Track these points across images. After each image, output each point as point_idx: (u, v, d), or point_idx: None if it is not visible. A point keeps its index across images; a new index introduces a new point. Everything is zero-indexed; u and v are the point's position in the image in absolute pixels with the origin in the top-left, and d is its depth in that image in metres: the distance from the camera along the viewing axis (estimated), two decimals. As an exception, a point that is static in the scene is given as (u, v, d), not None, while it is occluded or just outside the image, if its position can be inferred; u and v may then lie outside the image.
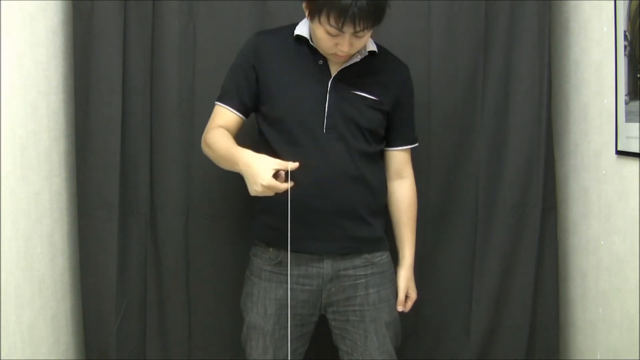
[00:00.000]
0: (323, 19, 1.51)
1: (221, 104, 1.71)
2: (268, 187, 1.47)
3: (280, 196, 1.60)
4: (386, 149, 1.79)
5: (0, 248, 1.52)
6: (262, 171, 1.47)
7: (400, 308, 1.78)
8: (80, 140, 1.93)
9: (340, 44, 1.56)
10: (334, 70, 1.67)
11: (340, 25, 1.50)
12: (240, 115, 1.71)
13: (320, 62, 1.66)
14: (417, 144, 1.83)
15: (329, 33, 1.54)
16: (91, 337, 1.98)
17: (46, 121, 1.79)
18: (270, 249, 1.71)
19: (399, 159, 1.80)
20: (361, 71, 1.68)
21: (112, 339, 1.95)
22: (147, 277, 2.02)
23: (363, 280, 1.71)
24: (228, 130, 1.68)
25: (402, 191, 1.81)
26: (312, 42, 1.65)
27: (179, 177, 2.00)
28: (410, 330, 2.06)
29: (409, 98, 1.78)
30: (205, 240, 2.02)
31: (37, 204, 1.74)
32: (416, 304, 2.05)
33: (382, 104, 1.69)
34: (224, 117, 1.70)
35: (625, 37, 1.65)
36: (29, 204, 1.69)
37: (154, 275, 2.02)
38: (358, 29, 1.51)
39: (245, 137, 1.72)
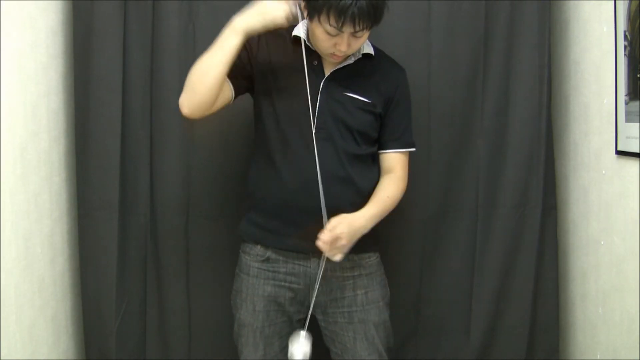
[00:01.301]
0: (323, 18, 1.51)
1: None
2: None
3: (270, 195, 1.64)
4: (378, 151, 1.77)
5: (0, 248, 1.52)
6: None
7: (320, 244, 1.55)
8: (80, 140, 1.93)
9: (338, 43, 1.56)
10: (327, 71, 1.67)
11: (340, 25, 1.50)
12: (230, 84, 1.64)
13: (315, 62, 1.67)
14: (413, 149, 1.77)
15: (328, 33, 1.54)
16: (91, 337, 1.98)
17: (46, 121, 1.79)
18: (258, 246, 1.71)
19: (391, 162, 1.75)
20: (355, 73, 1.68)
21: (112, 339, 1.95)
22: (147, 277, 2.02)
23: (351, 282, 1.71)
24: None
25: (384, 181, 1.73)
26: (308, 42, 1.66)
27: (179, 177, 2.00)
28: (410, 330, 2.06)
29: (402, 101, 1.75)
30: (205, 240, 2.02)
31: (37, 204, 1.74)
32: (416, 304, 2.06)
33: (374, 107, 1.68)
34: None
35: (625, 37, 1.65)
36: (29, 204, 1.69)
37: (154, 275, 2.02)
38: (357, 28, 1.51)
39: (242, 135, 1.71)
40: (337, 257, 1.56)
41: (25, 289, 1.66)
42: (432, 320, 2.08)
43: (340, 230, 1.54)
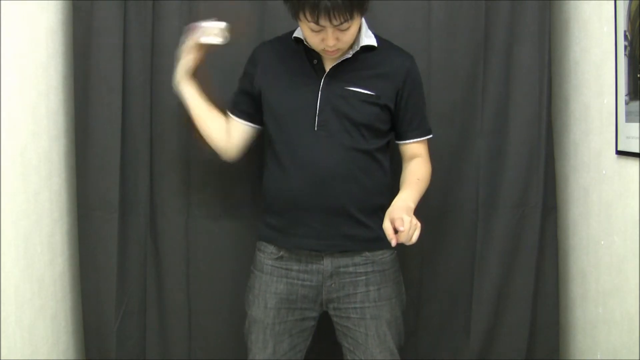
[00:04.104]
0: (301, 15, 1.54)
1: (228, 112, 1.81)
2: (184, 51, 1.74)
3: (279, 196, 1.66)
4: (398, 142, 1.79)
5: (1, 248, 1.52)
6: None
7: (393, 242, 1.51)
8: (80, 140, 1.93)
9: (325, 39, 1.57)
10: (327, 69, 1.68)
11: (316, 19, 1.51)
12: (245, 122, 1.79)
13: (315, 61, 1.68)
14: (431, 135, 1.81)
15: (311, 29, 1.56)
16: (91, 337, 1.98)
17: (46, 121, 1.79)
18: (272, 245, 1.73)
19: (414, 150, 1.78)
20: (356, 66, 1.68)
21: (112, 339, 1.95)
22: (147, 277, 2.02)
23: (363, 278, 1.72)
24: (233, 136, 1.80)
25: (412, 164, 1.76)
26: (306, 42, 1.67)
27: (179, 177, 2.00)
28: (410, 330, 2.06)
29: (414, 88, 1.74)
30: (205, 240, 2.02)
31: (37, 204, 1.74)
32: (416, 303, 2.06)
33: (378, 98, 1.68)
34: (229, 123, 1.81)
35: (625, 37, 1.65)
36: (29, 204, 1.69)
37: (154, 275, 2.02)
38: (335, 22, 1.52)
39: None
40: (417, 235, 1.52)
41: (25, 289, 1.66)
42: (432, 320, 2.08)
43: (407, 221, 1.50)
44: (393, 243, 1.50)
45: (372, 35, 1.71)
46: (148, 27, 1.94)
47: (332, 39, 1.56)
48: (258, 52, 1.77)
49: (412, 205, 1.60)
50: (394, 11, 1.97)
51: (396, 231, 1.50)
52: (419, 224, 1.52)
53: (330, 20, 1.51)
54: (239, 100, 1.79)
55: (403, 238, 1.49)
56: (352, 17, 1.54)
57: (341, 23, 1.52)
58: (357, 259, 1.71)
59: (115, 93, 1.91)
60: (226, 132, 1.80)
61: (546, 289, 2.04)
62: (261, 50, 1.77)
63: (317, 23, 1.52)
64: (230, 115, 1.80)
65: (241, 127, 1.79)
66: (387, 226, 1.52)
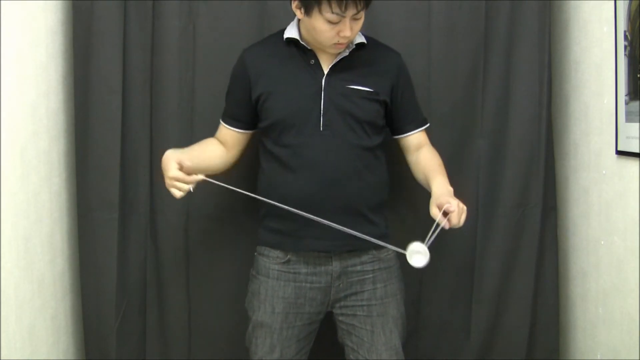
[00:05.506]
0: (324, 8, 1.54)
1: (221, 121, 1.81)
2: (173, 178, 1.53)
3: (285, 199, 1.64)
4: (399, 136, 1.80)
5: (0, 248, 1.52)
6: (166, 164, 1.56)
7: (446, 226, 1.56)
8: (80, 140, 1.93)
9: (342, 30, 1.58)
10: (325, 68, 1.69)
11: (344, 9, 1.53)
12: (236, 129, 1.77)
13: (312, 61, 1.68)
14: (428, 124, 1.83)
15: (330, 22, 1.56)
16: (91, 337, 1.98)
17: (46, 121, 1.79)
18: (278, 250, 1.72)
19: (417, 140, 1.80)
20: (353, 64, 1.69)
21: (112, 339, 1.95)
22: (147, 277, 2.02)
23: (370, 276, 1.72)
24: (226, 144, 1.79)
25: (423, 154, 1.78)
26: (302, 41, 1.67)
27: (179, 177, 2.00)
28: (411, 330, 2.06)
29: (406, 83, 1.79)
30: (205, 240, 2.02)
31: (37, 204, 1.74)
32: (416, 303, 2.06)
33: (377, 95, 1.70)
34: (220, 133, 1.81)
35: (625, 37, 1.65)
36: (29, 204, 1.69)
37: (154, 275, 2.02)
38: (359, 7, 1.55)
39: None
40: (464, 217, 1.57)
41: (25, 289, 1.66)
42: (432, 320, 2.09)
43: (454, 205, 1.55)
44: (446, 226, 1.54)
45: (361, 34, 1.73)
46: (148, 27, 1.94)
47: (349, 30, 1.58)
48: (247, 57, 1.73)
49: (451, 189, 1.64)
50: (394, 11, 1.97)
51: (445, 214, 1.54)
52: (465, 207, 1.56)
53: (356, 7, 1.54)
54: (233, 109, 1.77)
55: (454, 220, 1.54)
56: (368, 4, 1.58)
57: (362, 9, 1.56)
58: (364, 257, 1.72)
59: (115, 93, 1.91)
60: (223, 147, 1.79)
61: (546, 289, 2.04)
62: (250, 55, 1.73)
63: (343, 12, 1.53)
64: (226, 126, 1.78)
65: (238, 135, 1.78)
66: (435, 212, 1.56)
